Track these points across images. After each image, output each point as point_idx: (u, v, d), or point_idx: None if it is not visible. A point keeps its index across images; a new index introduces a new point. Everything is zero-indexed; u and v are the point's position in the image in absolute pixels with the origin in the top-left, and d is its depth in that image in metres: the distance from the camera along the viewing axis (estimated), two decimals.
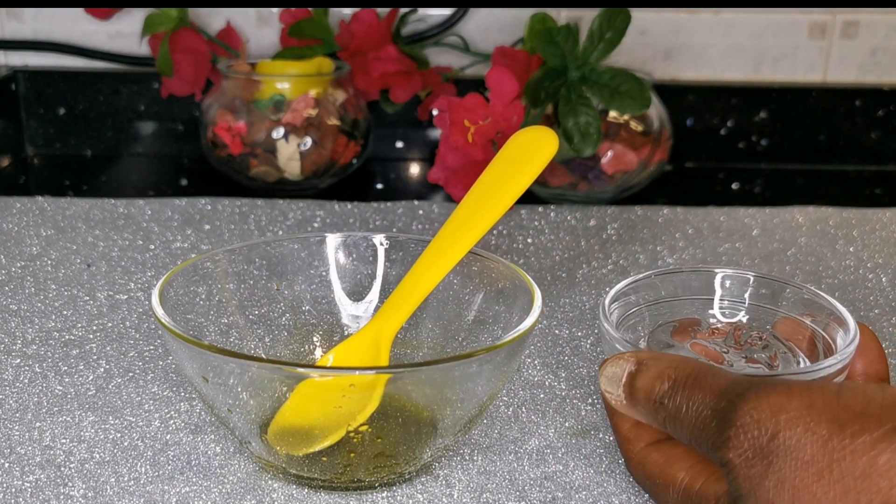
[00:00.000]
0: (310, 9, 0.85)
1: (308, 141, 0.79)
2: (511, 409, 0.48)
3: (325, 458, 0.40)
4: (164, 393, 0.49)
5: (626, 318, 0.45)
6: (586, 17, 0.90)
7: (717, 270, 0.48)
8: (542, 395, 0.49)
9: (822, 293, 0.45)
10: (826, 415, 0.29)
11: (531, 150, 0.45)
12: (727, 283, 0.47)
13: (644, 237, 0.71)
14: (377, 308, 0.50)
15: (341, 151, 0.81)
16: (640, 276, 0.47)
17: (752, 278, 0.47)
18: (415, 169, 0.94)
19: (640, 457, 0.38)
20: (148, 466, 0.42)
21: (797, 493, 0.29)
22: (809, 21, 0.92)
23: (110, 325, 0.56)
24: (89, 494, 0.40)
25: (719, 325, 0.46)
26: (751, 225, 0.74)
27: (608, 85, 0.69)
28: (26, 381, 0.50)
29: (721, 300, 0.47)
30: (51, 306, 0.58)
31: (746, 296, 0.47)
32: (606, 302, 0.44)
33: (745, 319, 0.47)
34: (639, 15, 0.91)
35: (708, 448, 0.32)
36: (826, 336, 0.43)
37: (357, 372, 0.39)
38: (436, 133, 0.93)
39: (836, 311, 0.43)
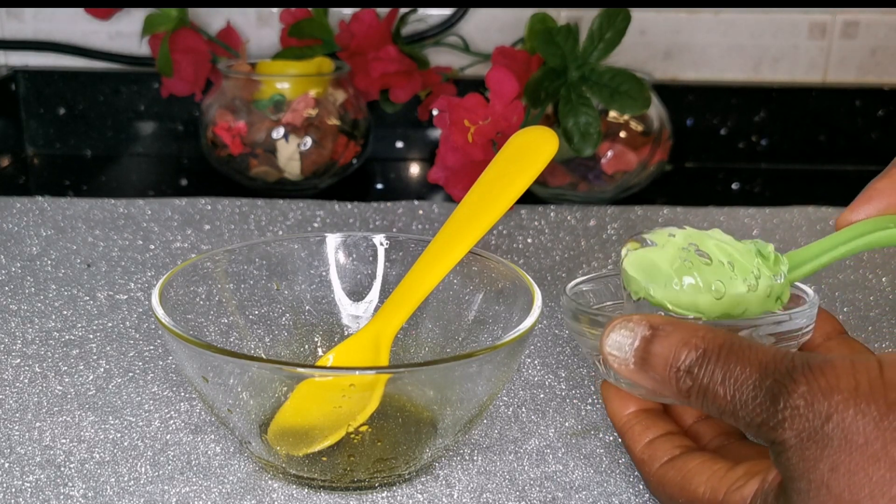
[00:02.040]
0: (310, 9, 0.85)
1: (308, 141, 0.79)
2: (511, 409, 0.48)
3: (325, 459, 0.40)
4: (164, 393, 0.49)
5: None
6: (586, 17, 0.90)
7: None
8: (542, 395, 0.49)
9: None
10: (874, 395, 0.29)
11: (531, 150, 0.45)
12: None
13: None
14: (377, 308, 0.50)
15: (341, 151, 0.81)
16: (592, 275, 0.45)
17: None
18: (415, 169, 0.94)
19: (657, 478, 0.37)
20: (148, 466, 0.42)
21: (853, 477, 0.29)
22: (809, 21, 0.92)
23: (110, 325, 0.56)
24: (89, 494, 0.40)
25: None
26: (751, 225, 0.74)
27: (608, 85, 0.69)
28: (26, 381, 0.50)
29: None
30: (51, 306, 0.58)
31: None
32: (568, 291, 0.43)
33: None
34: (639, 15, 0.91)
35: (754, 424, 0.31)
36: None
37: (357, 372, 0.39)
38: (436, 133, 0.93)
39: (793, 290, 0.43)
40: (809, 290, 0.42)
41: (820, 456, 0.29)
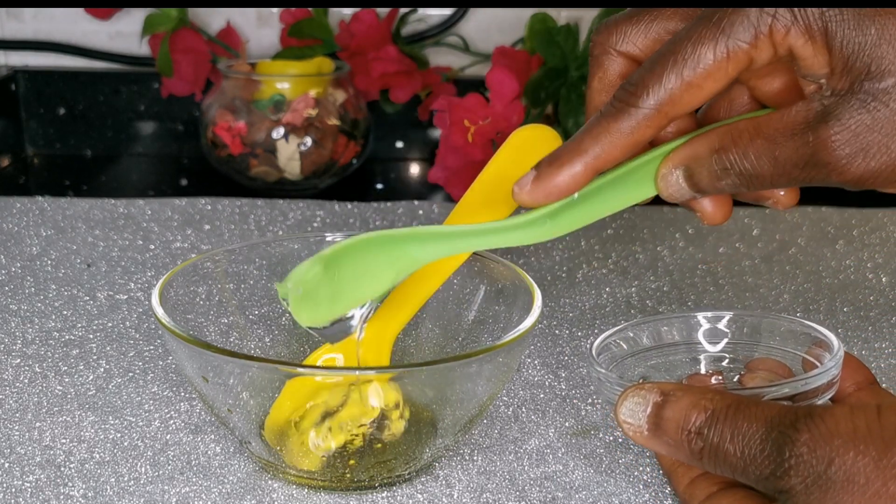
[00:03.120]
0: (310, 9, 0.85)
1: (308, 141, 0.79)
2: (511, 409, 0.48)
3: (325, 459, 0.40)
4: (164, 393, 0.49)
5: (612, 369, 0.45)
6: (586, 17, 0.89)
7: (697, 314, 0.47)
8: (542, 395, 0.49)
9: (801, 319, 0.45)
10: (871, 436, 0.30)
11: (533, 151, 0.45)
12: (707, 325, 0.47)
13: (644, 237, 0.71)
14: (377, 308, 0.50)
15: (341, 151, 0.81)
16: (619, 326, 0.46)
17: (730, 317, 0.46)
18: (415, 169, 0.94)
19: None
20: (148, 466, 0.42)
21: None
22: None
23: (110, 325, 0.56)
24: (89, 494, 0.40)
25: (701, 373, 0.46)
26: (751, 225, 0.74)
27: None
28: (26, 381, 0.50)
29: (702, 345, 0.47)
30: (51, 306, 0.58)
31: (727, 339, 0.47)
32: (594, 352, 0.43)
33: (727, 362, 0.46)
34: None
35: (762, 477, 0.32)
36: (812, 359, 0.43)
37: (357, 372, 0.39)
38: (436, 133, 0.93)
39: (817, 333, 0.43)
40: (834, 341, 0.42)
41: (824, 498, 0.30)
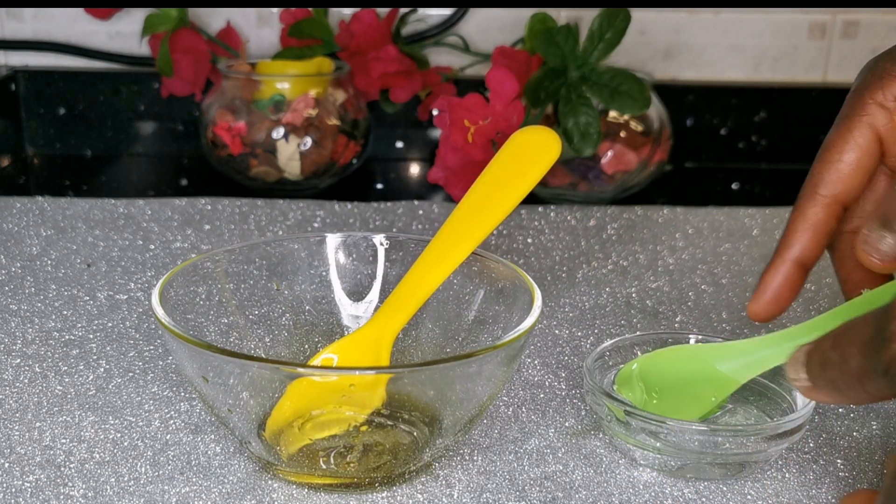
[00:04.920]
0: (310, 9, 0.85)
1: (308, 141, 0.79)
2: (511, 409, 0.48)
3: (324, 458, 0.40)
4: (164, 393, 0.49)
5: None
6: (586, 17, 0.90)
7: (689, 336, 0.47)
8: (542, 395, 0.49)
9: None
10: None
11: (534, 153, 0.45)
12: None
13: (644, 237, 0.71)
14: (377, 308, 0.50)
15: (341, 151, 0.81)
16: (611, 342, 0.47)
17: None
18: (415, 169, 0.94)
19: None
20: (148, 466, 0.42)
21: None
22: (809, 21, 0.92)
23: (110, 325, 0.56)
24: (89, 494, 0.40)
25: None
26: (751, 225, 0.74)
27: (608, 85, 0.69)
28: (26, 381, 0.50)
29: None
30: (51, 306, 0.58)
31: None
32: (589, 364, 0.45)
33: None
34: (639, 15, 0.91)
35: (877, 342, 0.31)
36: None
37: (357, 372, 0.39)
38: (436, 133, 0.93)
39: None
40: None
41: None
